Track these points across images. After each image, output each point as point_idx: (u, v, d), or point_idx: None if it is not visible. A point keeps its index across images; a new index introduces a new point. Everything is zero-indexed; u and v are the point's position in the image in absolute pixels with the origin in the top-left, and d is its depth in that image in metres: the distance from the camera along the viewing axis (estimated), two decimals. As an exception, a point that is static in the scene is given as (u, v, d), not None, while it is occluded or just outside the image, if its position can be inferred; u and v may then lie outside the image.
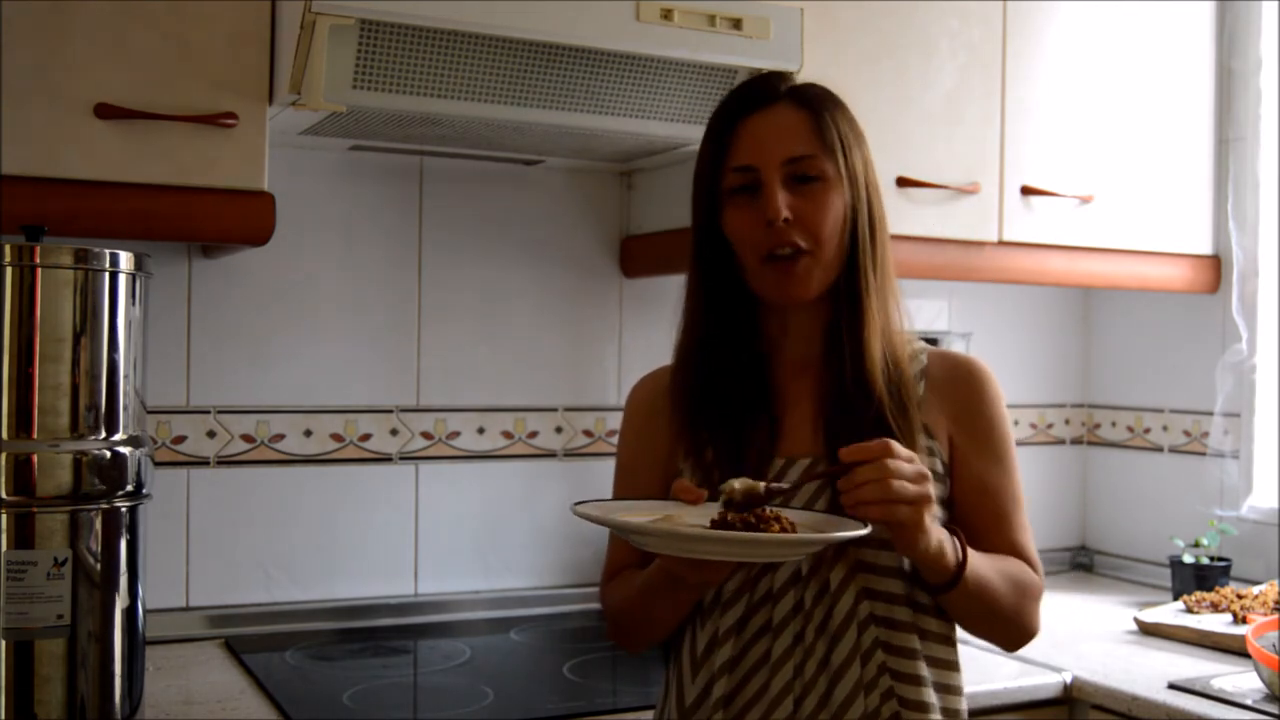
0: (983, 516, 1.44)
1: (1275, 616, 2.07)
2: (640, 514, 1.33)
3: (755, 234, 1.40)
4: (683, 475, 1.44)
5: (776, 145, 1.40)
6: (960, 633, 1.47)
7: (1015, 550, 1.44)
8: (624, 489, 1.54)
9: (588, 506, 1.32)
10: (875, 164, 1.48)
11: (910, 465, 1.25)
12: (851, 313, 1.43)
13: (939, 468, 1.42)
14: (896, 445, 1.26)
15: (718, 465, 1.42)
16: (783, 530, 1.25)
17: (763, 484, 1.29)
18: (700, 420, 1.45)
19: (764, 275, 1.42)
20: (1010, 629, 1.45)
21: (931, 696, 1.40)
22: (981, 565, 1.37)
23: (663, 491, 1.45)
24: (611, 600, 1.51)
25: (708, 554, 1.24)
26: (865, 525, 1.26)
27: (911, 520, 1.26)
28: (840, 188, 1.41)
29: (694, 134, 2.02)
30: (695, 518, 1.31)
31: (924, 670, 1.40)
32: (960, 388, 1.48)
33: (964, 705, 1.46)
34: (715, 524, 1.28)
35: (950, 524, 1.39)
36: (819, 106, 1.43)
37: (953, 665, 1.45)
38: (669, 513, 1.34)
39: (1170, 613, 2.32)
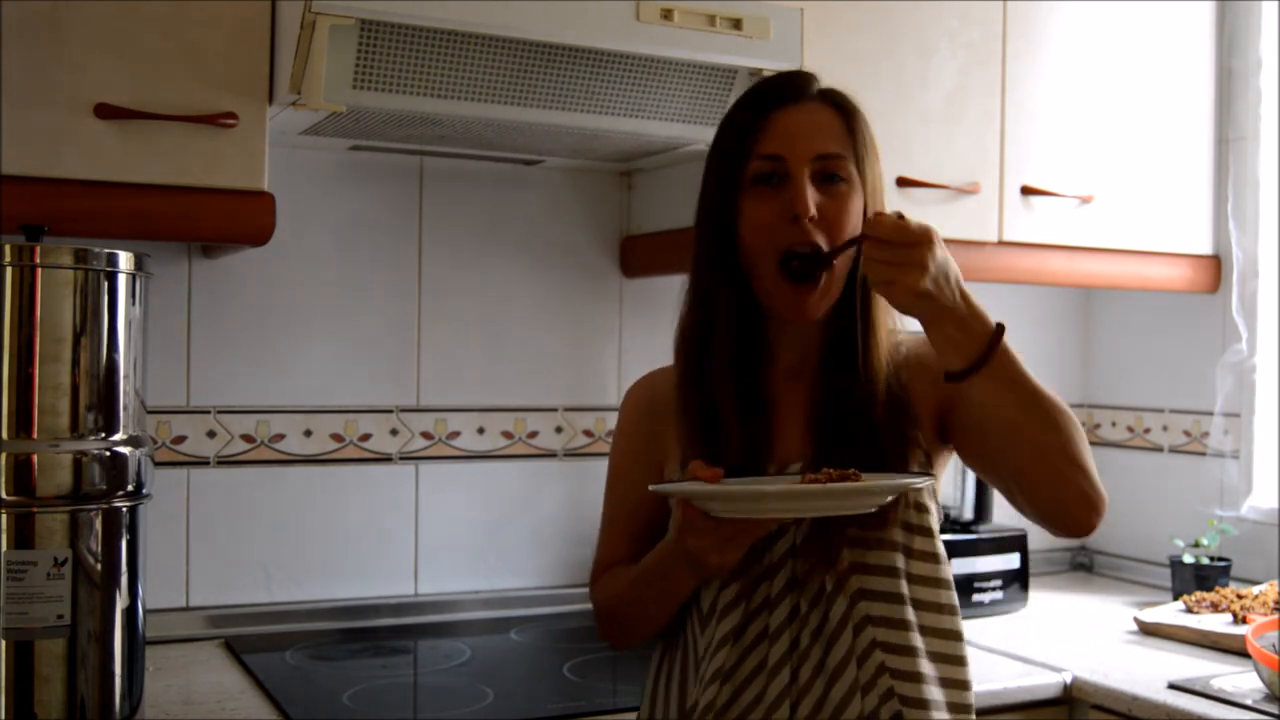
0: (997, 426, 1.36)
1: (1275, 616, 2.07)
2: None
3: (776, 227, 1.38)
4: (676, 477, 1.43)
5: (809, 139, 1.39)
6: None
7: None
8: (618, 491, 1.54)
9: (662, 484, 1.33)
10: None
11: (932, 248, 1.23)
12: (864, 325, 1.42)
13: (922, 459, 1.42)
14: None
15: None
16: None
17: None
18: (694, 423, 1.45)
19: (780, 293, 1.40)
20: (1064, 460, 1.29)
21: (935, 694, 1.39)
22: (1019, 360, 1.30)
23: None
24: (603, 596, 1.52)
25: (813, 510, 1.29)
26: (929, 475, 1.29)
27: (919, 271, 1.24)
28: (859, 193, 1.41)
29: (694, 134, 2.02)
30: None
31: (926, 668, 1.39)
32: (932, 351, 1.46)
33: (973, 700, 1.44)
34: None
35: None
36: (850, 111, 1.44)
37: (959, 660, 1.42)
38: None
39: (1170, 613, 2.32)
